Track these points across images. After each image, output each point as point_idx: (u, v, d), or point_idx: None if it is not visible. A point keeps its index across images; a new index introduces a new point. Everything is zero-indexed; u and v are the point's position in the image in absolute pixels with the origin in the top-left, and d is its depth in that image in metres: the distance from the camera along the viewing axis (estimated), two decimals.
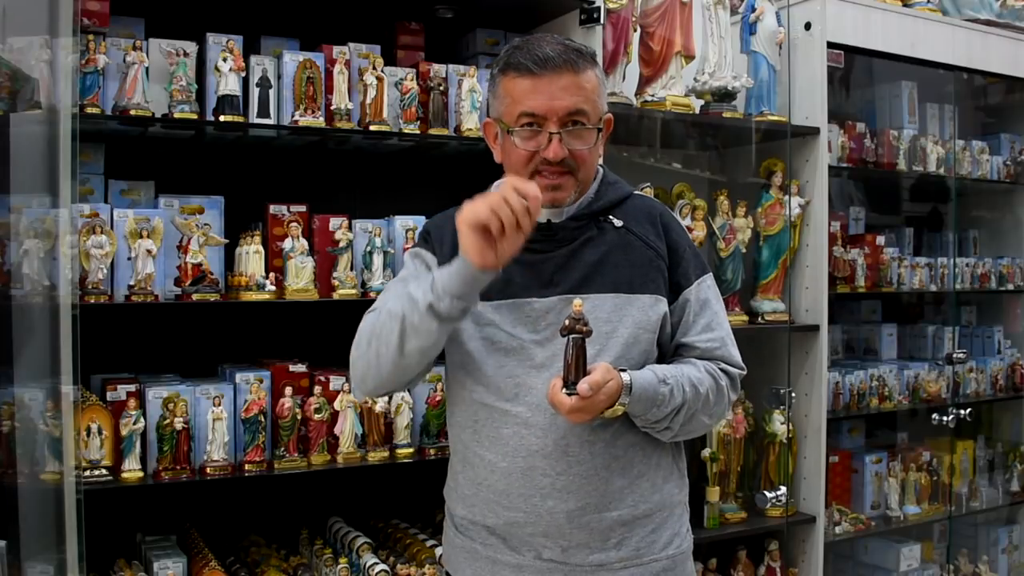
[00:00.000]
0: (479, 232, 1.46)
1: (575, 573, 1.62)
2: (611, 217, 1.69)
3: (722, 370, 1.70)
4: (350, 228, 2.54)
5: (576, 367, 1.48)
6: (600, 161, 1.75)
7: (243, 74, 2.40)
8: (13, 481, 2.07)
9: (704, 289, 1.72)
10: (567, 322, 1.48)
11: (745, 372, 1.76)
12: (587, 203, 1.69)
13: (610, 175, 1.77)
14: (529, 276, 1.62)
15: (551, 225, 1.66)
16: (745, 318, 3.10)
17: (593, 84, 1.61)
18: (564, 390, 1.48)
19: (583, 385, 1.46)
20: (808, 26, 3.15)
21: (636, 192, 1.78)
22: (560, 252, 1.65)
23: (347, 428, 2.47)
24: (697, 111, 3.02)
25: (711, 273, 1.76)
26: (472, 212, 1.46)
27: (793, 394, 3.15)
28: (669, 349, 1.71)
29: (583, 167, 1.63)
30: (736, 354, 1.74)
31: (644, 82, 2.96)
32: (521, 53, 1.60)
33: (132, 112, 2.28)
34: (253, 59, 2.44)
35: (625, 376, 1.54)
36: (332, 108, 2.51)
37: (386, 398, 2.51)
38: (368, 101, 2.53)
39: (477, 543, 1.69)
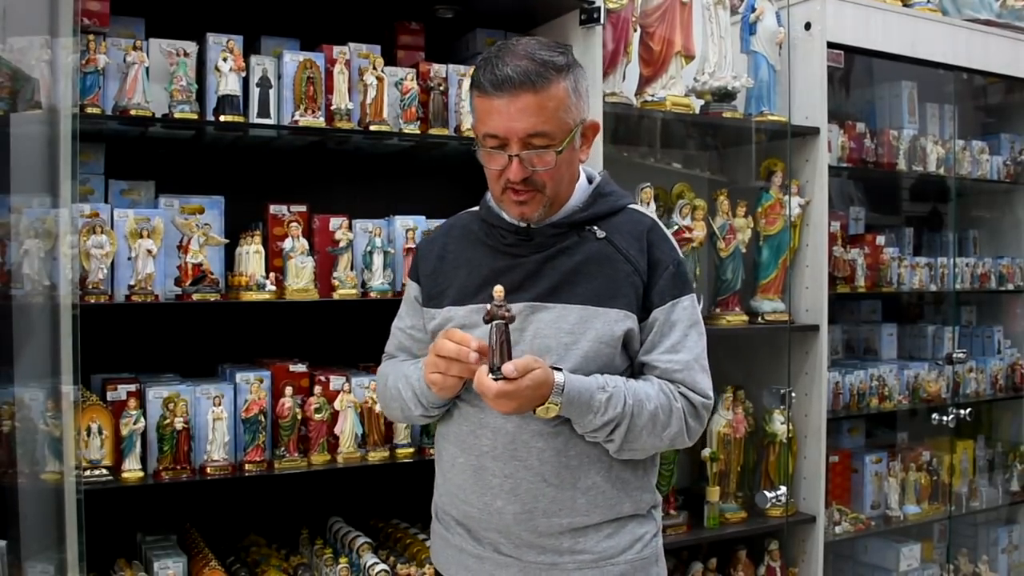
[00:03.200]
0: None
1: (530, 570, 1.64)
2: (594, 228, 1.67)
3: (681, 393, 1.65)
4: (350, 228, 2.54)
5: (500, 352, 1.48)
6: (591, 161, 1.77)
7: (243, 74, 2.40)
8: (13, 481, 2.07)
9: (678, 311, 1.66)
10: (489, 307, 1.48)
11: (711, 402, 1.69)
12: (571, 211, 1.68)
13: (606, 186, 1.74)
14: (501, 280, 1.59)
15: (528, 230, 1.66)
16: (745, 318, 3.10)
17: (558, 99, 1.57)
18: (490, 375, 1.47)
19: (508, 366, 1.46)
20: (808, 26, 3.15)
21: (631, 206, 1.74)
22: (533, 258, 1.65)
23: (347, 428, 2.47)
24: (697, 111, 3.02)
25: (694, 296, 1.71)
26: (431, 381, 1.60)
27: (793, 394, 3.15)
28: (636, 368, 1.69)
29: (550, 184, 1.62)
30: (703, 382, 1.68)
31: (644, 82, 2.96)
32: (485, 70, 1.58)
33: (132, 112, 2.28)
34: (253, 59, 2.44)
35: (559, 375, 1.52)
36: (332, 108, 2.51)
37: None
38: (368, 101, 2.53)
39: (448, 532, 1.74)
